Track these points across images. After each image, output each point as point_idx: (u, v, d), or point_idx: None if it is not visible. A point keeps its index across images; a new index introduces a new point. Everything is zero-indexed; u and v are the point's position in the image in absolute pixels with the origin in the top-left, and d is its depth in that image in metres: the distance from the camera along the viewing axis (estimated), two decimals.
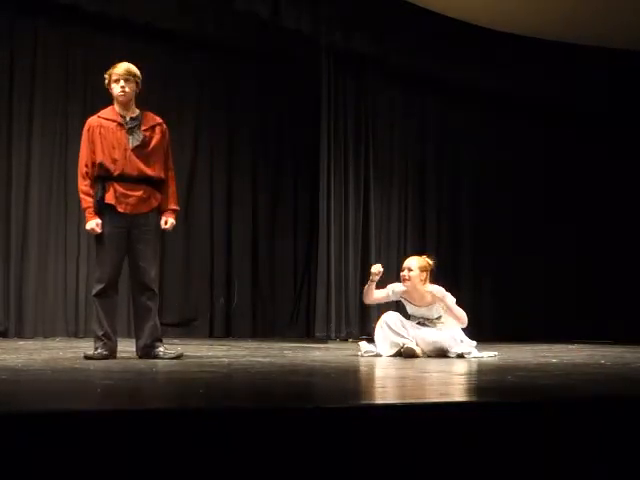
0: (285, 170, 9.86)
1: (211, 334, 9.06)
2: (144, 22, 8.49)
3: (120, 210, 5.04)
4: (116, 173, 5.04)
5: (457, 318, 6.06)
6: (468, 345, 6.04)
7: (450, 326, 6.09)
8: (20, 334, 7.85)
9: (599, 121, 10.87)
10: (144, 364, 4.61)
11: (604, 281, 10.66)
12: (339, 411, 2.65)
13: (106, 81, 5.17)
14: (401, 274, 6.16)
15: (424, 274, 6.08)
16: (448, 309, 6.07)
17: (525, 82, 10.22)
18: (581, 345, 8.60)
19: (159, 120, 5.29)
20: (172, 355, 5.06)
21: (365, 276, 9.45)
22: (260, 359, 5.33)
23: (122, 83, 5.10)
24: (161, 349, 5.08)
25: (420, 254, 6.49)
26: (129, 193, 5.06)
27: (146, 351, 5.07)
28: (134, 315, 5.27)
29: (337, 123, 9.37)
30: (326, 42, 9.11)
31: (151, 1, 8.56)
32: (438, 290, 6.10)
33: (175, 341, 7.83)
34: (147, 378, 3.87)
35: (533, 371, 4.73)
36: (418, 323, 6.10)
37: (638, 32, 9.87)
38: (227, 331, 9.25)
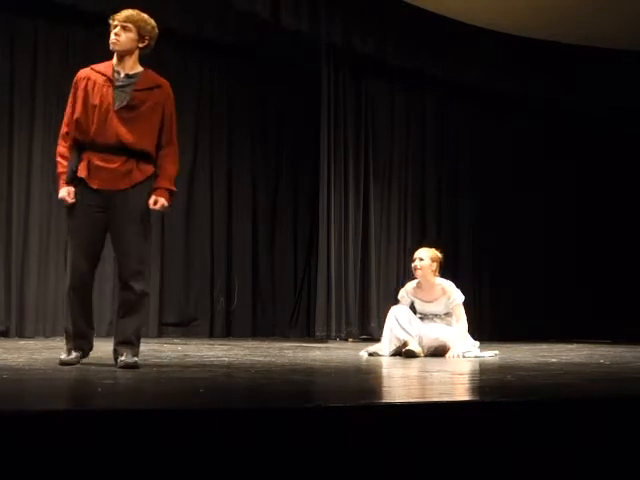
0: (285, 170, 9.87)
1: (211, 334, 9.06)
2: None
3: (92, 186, 4.24)
4: (92, 138, 4.25)
5: (457, 317, 6.10)
6: (470, 344, 6.07)
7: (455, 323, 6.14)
8: (21, 334, 7.85)
9: (599, 121, 10.88)
10: (145, 364, 4.58)
11: (604, 281, 10.67)
12: (339, 410, 2.65)
13: (110, 28, 4.39)
14: (412, 265, 6.24)
15: (435, 264, 6.18)
16: (454, 307, 6.12)
17: (525, 82, 10.23)
18: (581, 345, 8.61)
19: (161, 82, 4.41)
20: (122, 363, 4.19)
21: (365, 276, 9.50)
22: (260, 359, 5.33)
23: (117, 30, 4.30)
24: (122, 357, 4.22)
25: (429, 247, 6.53)
26: (104, 165, 4.23)
27: (114, 355, 4.32)
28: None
29: (337, 123, 9.38)
30: (326, 42, 9.13)
31: (151, 1, 8.55)
32: (448, 284, 6.20)
33: (175, 341, 7.85)
34: (147, 378, 3.87)
35: (533, 371, 4.74)
36: (426, 319, 6.14)
37: (639, 32, 9.88)
38: (227, 331, 9.25)
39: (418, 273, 6.18)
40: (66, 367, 4.26)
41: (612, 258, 10.73)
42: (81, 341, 4.40)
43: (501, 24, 9.85)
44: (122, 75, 4.34)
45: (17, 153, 8.05)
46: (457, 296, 6.16)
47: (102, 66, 4.41)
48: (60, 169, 4.33)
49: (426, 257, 6.17)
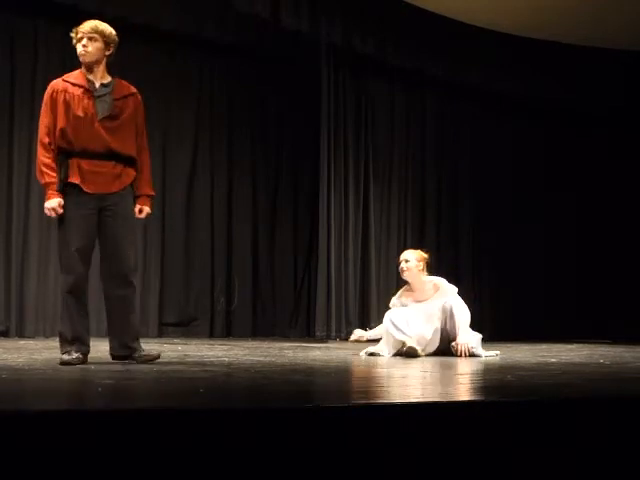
0: (285, 170, 9.87)
1: (211, 334, 9.07)
2: (144, 22, 8.49)
3: (87, 190, 4.40)
4: (80, 147, 4.40)
5: (459, 308, 6.08)
6: (475, 340, 6.02)
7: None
8: (21, 334, 7.86)
9: (599, 121, 10.88)
10: (145, 364, 4.60)
11: (604, 281, 10.68)
12: (339, 410, 2.65)
13: (73, 41, 4.56)
14: (399, 267, 6.25)
15: (421, 264, 6.19)
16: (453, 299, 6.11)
17: (525, 82, 10.23)
18: (580, 345, 8.61)
19: (133, 90, 4.65)
20: (149, 357, 4.53)
21: (365, 276, 9.51)
22: (260, 359, 5.33)
23: (84, 42, 4.49)
24: (138, 350, 4.53)
25: (414, 249, 6.55)
26: (97, 170, 4.41)
27: (121, 351, 4.53)
28: (107, 310, 4.59)
29: (337, 123, 9.39)
30: (326, 42, 9.14)
31: (151, 1, 8.57)
32: (438, 279, 6.22)
33: (175, 341, 7.86)
34: (148, 378, 3.87)
35: (533, 371, 4.73)
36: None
37: (639, 32, 9.88)
38: (227, 331, 9.26)
39: (405, 275, 6.20)
40: (66, 367, 4.26)
41: (612, 258, 10.73)
42: (79, 345, 4.46)
43: (501, 24, 9.85)
44: (97, 85, 4.51)
45: (17, 153, 8.06)
46: (451, 288, 6.17)
47: (73, 77, 4.55)
48: (48, 179, 4.41)
49: (412, 258, 6.18)
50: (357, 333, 6.42)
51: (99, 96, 4.47)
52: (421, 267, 6.18)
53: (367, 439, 2.54)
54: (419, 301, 6.17)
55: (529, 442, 2.77)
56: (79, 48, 4.51)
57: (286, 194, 9.85)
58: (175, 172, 9.02)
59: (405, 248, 9.76)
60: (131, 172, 4.55)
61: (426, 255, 6.29)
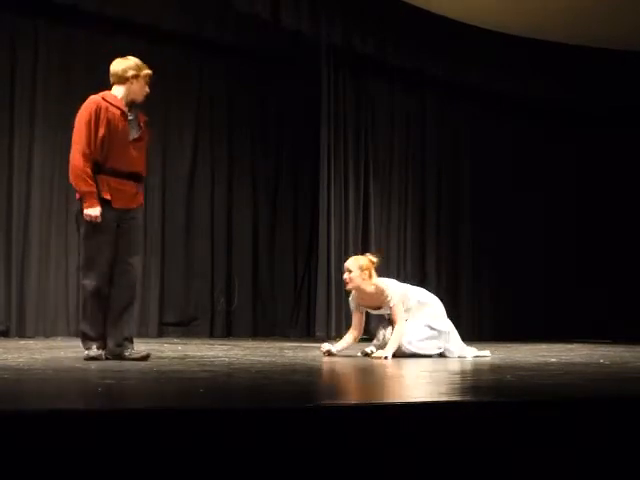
0: (285, 170, 9.87)
1: (211, 334, 9.07)
2: (144, 22, 8.50)
3: (114, 206, 4.79)
4: (110, 165, 4.78)
5: (394, 318, 5.78)
6: (466, 349, 5.96)
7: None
8: (21, 333, 7.86)
9: (599, 121, 10.88)
10: (145, 364, 4.61)
11: (604, 281, 10.68)
12: (340, 410, 2.65)
13: (132, 72, 4.88)
14: (343, 278, 5.95)
15: (366, 272, 5.82)
16: (391, 307, 5.79)
17: (525, 82, 10.24)
18: (581, 345, 8.61)
19: (146, 118, 5.09)
20: (138, 356, 4.79)
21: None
22: (260, 359, 5.33)
23: (147, 88, 5.00)
24: (129, 349, 4.81)
25: (360, 254, 6.29)
26: (121, 188, 4.83)
27: (115, 350, 4.80)
28: (111, 310, 4.85)
29: (337, 123, 9.39)
30: (326, 42, 9.14)
31: (151, 1, 8.58)
32: (383, 284, 5.86)
33: (175, 341, 7.86)
34: (148, 378, 3.88)
35: (532, 371, 4.73)
36: (384, 321, 6.00)
37: (638, 32, 9.89)
38: (227, 331, 9.26)
39: (349, 287, 5.86)
40: (65, 367, 4.30)
41: (612, 258, 10.73)
42: (101, 342, 4.80)
43: (501, 24, 9.85)
44: (126, 110, 4.93)
45: (17, 153, 8.06)
46: (393, 296, 5.79)
47: (110, 99, 4.90)
48: (89, 188, 4.72)
49: (354, 268, 5.81)
50: (324, 347, 5.91)
51: (130, 120, 4.92)
52: (366, 276, 5.81)
53: (367, 439, 2.54)
54: (373, 308, 5.95)
55: (529, 442, 2.77)
56: (145, 90, 4.95)
57: (286, 194, 9.85)
58: (175, 172, 9.02)
59: (405, 248, 9.88)
60: (142, 191, 5.03)
61: (375, 259, 5.92)
